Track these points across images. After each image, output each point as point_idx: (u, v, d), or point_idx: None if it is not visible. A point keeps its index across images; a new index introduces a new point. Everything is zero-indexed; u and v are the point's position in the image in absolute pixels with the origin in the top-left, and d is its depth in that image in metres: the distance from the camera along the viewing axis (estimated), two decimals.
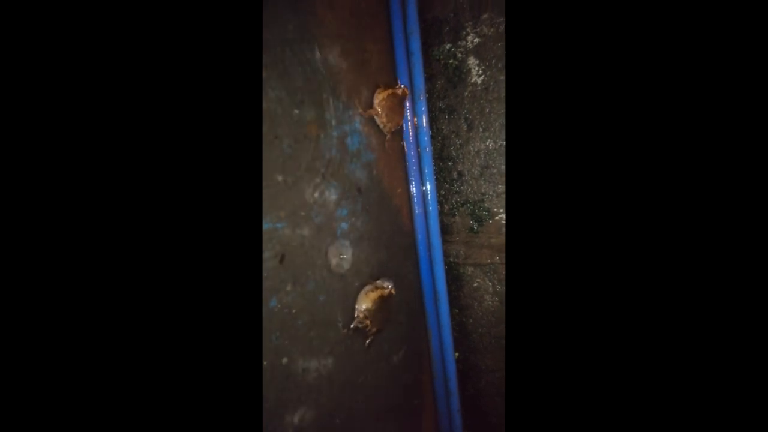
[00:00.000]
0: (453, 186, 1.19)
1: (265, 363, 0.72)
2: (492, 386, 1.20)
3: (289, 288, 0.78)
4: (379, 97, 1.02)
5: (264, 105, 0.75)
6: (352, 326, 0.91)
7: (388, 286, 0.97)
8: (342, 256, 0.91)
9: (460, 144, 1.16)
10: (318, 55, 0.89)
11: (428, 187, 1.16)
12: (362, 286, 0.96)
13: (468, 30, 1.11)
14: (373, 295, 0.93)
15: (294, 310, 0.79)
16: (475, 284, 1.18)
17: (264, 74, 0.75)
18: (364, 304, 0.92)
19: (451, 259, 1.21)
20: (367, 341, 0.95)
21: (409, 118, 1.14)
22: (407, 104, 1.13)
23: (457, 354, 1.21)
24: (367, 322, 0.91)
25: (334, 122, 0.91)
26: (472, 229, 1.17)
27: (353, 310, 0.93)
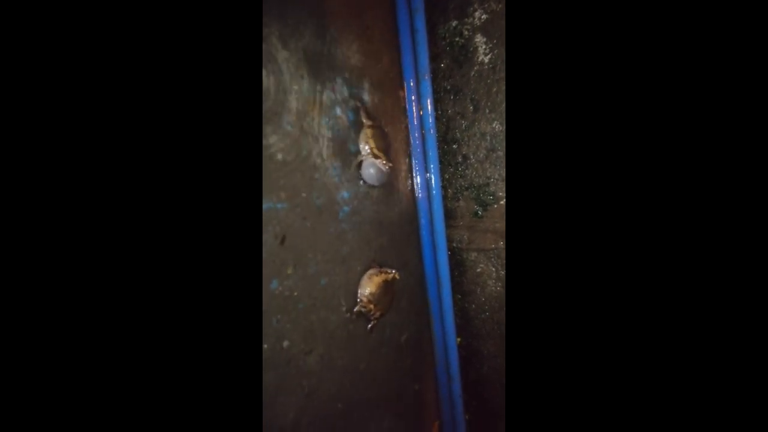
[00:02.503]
0: (457, 170, 1.16)
1: (265, 346, 0.70)
2: (494, 372, 1.19)
3: (290, 270, 0.76)
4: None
5: (262, 80, 0.71)
6: (355, 310, 0.89)
7: (392, 270, 0.95)
8: (344, 240, 0.89)
9: (465, 126, 1.13)
10: (319, 30, 0.85)
11: (432, 170, 1.13)
12: (364, 270, 0.94)
13: (475, 6, 1.07)
14: (378, 279, 0.91)
15: (295, 293, 0.77)
16: (479, 269, 1.16)
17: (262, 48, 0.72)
18: (368, 288, 0.90)
19: (455, 244, 1.19)
20: (370, 326, 0.93)
21: (413, 99, 1.11)
22: (411, 84, 1.10)
23: (459, 339, 1.20)
24: (371, 306, 0.89)
25: (336, 99, 0.88)
26: (476, 213, 1.15)
27: (356, 294, 0.91)
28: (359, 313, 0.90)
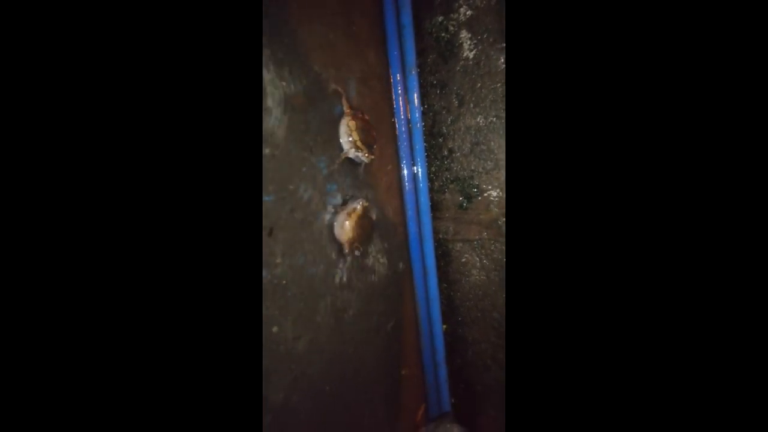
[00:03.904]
0: (443, 163, 1.20)
1: None
2: (478, 357, 1.24)
3: (278, 260, 0.79)
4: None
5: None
6: (349, 258, 0.92)
7: (357, 203, 0.93)
8: (331, 232, 0.92)
9: (451, 120, 1.16)
10: (304, 26, 0.87)
11: (419, 164, 1.17)
12: (353, 259, 0.97)
13: (460, 2, 1.09)
14: (351, 222, 0.91)
15: (284, 282, 0.80)
16: (464, 259, 1.20)
17: None
18: (346, 234, 0.91)
19: (441, 236, 1.23)
20: (358, 253, 0.96)
21: (400, 93, 1.13)
22: (398, 78, 1.12)
23: (445, 327, 1.25)
24: (358, 246, 0.92)
25: (322, 94, 0.90)
26: (461, 205, 1.19)
27: (343, 288, 0.95)
28: (349, 257, 0.93)
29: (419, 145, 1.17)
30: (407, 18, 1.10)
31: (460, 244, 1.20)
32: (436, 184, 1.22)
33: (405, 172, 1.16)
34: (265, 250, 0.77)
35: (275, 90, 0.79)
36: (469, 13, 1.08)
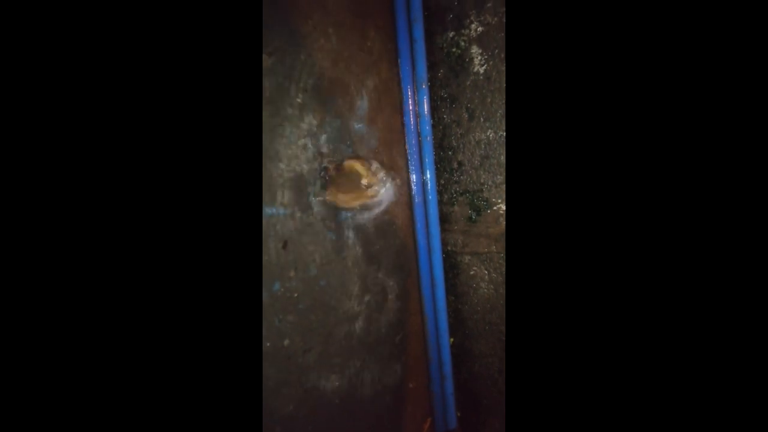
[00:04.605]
0: (453, 175, 1.20)
1: (268, 344, 0.74)
2: (485, 370, 1.24)
3: (291, 273, 0.80)
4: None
5: (266, 91, 0.75)
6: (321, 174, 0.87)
7: (371, 166, 0.91)
8: (343, 243, 0.93)
9: (461, 134, 1.17)
10: (319, 41, 0.89)
11: (428, 176, 1.18)
12: (361, 272, 0.98)
13: (471, 18, 1.10)
14: (354, 164, 0.88)
15: (296, 295, 0.81)
16: (472, 272, 1.21)
17: (268, 62, 0.75)
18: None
19: (449, 248, 1.23)
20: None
21: (410, 107, 1.14)
22: (409, 92, 1.13)
23: (452, 339, 1.24)
24: (331, 168, 0.87)
25: (336, 110, 0.92)
26: (470, 218, 1.19)
27: (353, 298, 0.95)
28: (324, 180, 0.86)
29: (429, 157, 1.17)
30: (419, 32, 1.12)
31: (469, 257, 1.20)
32: (445, 196, 1.22)
33: (414, 184, 1.17)
34: (279, 264, 0.77)
35: (290, 103, 0.81)
36: (480, 29, 1.10)
